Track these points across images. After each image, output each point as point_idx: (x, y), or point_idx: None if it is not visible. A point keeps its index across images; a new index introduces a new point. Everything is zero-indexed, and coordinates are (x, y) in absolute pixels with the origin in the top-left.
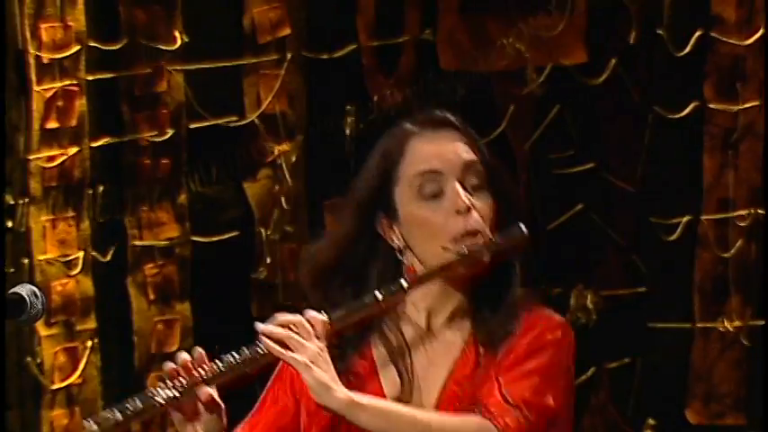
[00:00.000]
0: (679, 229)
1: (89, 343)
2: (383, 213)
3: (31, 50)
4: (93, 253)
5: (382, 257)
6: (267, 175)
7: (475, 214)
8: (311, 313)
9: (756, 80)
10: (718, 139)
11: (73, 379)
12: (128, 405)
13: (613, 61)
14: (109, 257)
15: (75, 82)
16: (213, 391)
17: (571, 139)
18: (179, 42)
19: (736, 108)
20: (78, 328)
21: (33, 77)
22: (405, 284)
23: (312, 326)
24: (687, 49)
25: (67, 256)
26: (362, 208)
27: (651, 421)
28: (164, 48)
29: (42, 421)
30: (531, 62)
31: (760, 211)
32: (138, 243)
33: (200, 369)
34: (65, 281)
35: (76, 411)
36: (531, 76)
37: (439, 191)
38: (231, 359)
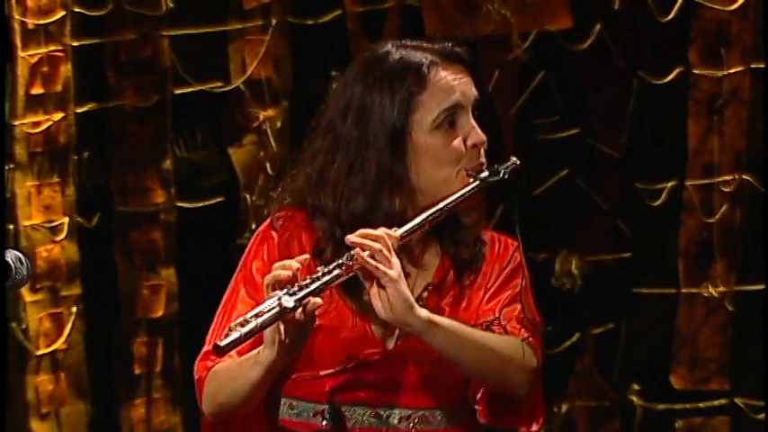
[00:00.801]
0: (664, 195)
1: (74, 308)
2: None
3: (16, 16)
4: (79, 219)
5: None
6: (252, 141)
7: (483, 148)
8: (386, 230)
9: (741, 45)
10: (703, 104)
11: (58, 344)
12: (256, 314)
13: (598, 26)
14: (94, 223)
15: (60, 47)
16: (320, 301)
17: (556, 105)
18: (164, 8)
19: (720, 73)
20: (63, 293)
21: (18, 43)
22: (441, 206)
23: (390, 241)
24: (672, 15)
25: (53, 221)
26: (389, 137)
27: (636, 386)
28: (149, 13)
29: (27, 386)
30: (516, 27)
31: (745, 177)
32: (123, 209)
33: (308, 278)
34: (50, 246)
35: (61, 377)
36: (517, 41)
37: (453, 122)
38: (329, 269)
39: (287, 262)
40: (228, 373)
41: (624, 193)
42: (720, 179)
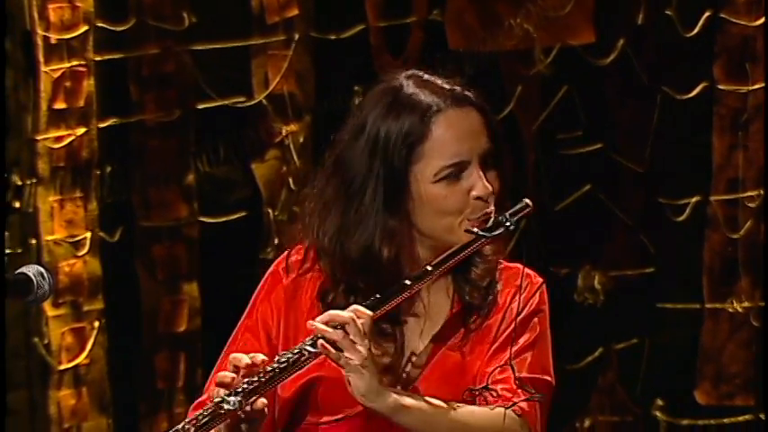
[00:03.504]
0: (688, 210)
1: (96, 323)
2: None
3: (39, 31)
4: (101, 233)
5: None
6: (275, 156)
7: (491, 197)
8: (359, 309)
9: (766, 60)
10: (727, 119)
11: (80, 359)
12: (194, 420)
13: (621, 42)
14: (116, 238)
15: (83, 62)
16: (266, 401)
17: (579, 120)
18: (187, 23)
19: (745, 89)
20: (86, 308)
21: (41, 58)
22: (430, 269)
23: (361, 322)
24: (696, 30)
25: (75, 236)
26: (388, 184)
27: (660, 402)
28: (172, 28)
29: (49, 401)
30: (538, 42)
31: None
32: (145, 223)
33: (259, 373)
34: (72, 261)
35: (83, 392)
36: (539, 56)
37: (458, 173)
38: (286, 360)
39: (239, 358)
40: None
41: (648, 209)
42: (745, 195)
